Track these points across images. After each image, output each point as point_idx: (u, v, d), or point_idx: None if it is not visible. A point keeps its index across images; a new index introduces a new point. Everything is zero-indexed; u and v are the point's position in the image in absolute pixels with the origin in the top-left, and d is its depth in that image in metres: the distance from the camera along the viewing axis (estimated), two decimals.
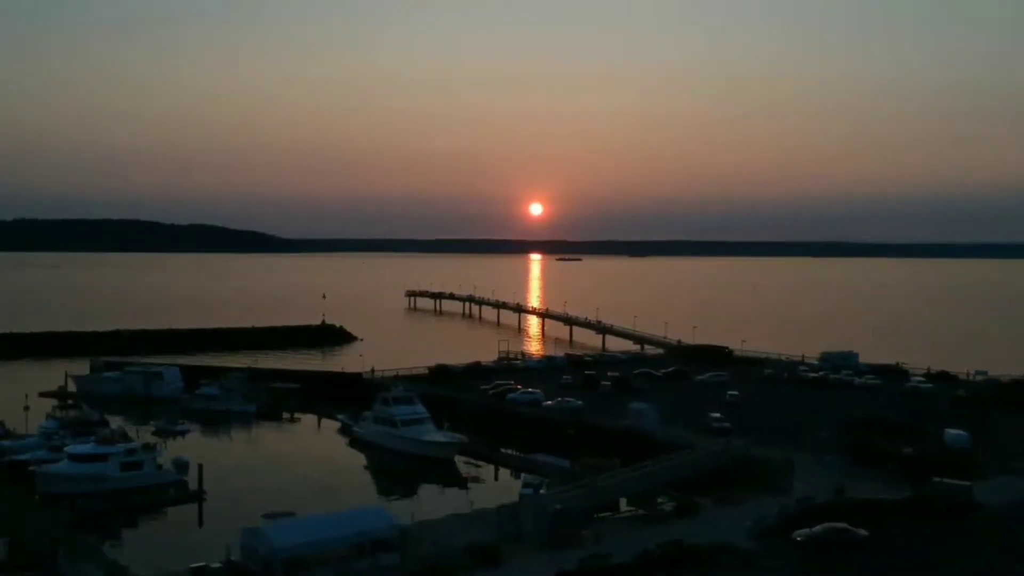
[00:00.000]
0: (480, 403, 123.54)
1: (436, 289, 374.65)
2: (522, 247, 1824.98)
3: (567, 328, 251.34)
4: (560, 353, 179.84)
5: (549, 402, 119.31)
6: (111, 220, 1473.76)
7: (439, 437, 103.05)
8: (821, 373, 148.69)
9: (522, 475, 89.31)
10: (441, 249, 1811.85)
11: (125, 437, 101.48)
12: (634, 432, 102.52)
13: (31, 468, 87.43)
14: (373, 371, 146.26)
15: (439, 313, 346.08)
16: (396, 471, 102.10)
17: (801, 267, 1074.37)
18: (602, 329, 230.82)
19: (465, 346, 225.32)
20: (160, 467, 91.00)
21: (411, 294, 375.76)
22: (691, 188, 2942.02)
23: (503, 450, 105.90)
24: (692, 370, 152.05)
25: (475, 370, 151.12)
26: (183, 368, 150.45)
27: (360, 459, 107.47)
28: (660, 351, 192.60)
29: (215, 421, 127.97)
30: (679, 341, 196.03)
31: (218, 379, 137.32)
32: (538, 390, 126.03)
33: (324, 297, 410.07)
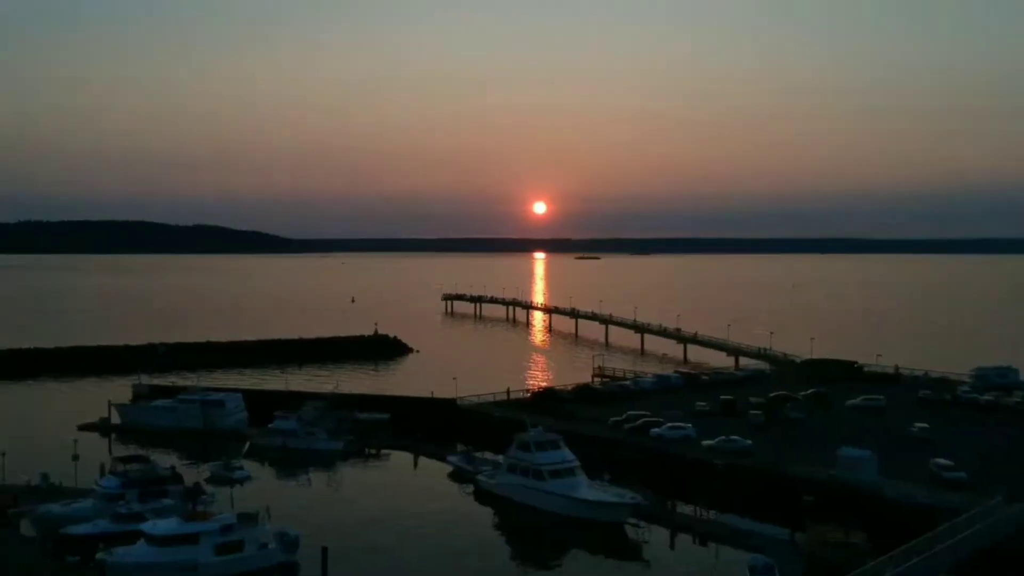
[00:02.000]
0: (628, 443, 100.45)
1: (474, 292, 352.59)
2: (525, 246, 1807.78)
3: (637, 336, 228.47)
4: (669, 370, 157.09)
5: (709, 441, 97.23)
6: (115, 221, 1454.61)
7: (606, 495, 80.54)
8: (994, 395, 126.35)
9: (751, 557, 67.16)
10: (444, 248, 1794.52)
11: (198, 492, 79.83)
12: (851, 487, 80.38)
13: (99, 555, 65.41)
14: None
15: (479, 318, 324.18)
16: (552, 539, 79.87)
17: (808, 264, 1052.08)
18: (683, 339, 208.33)
19: (538, 359, 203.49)
20: (265, 546, 69.00)
21: (448, 297, 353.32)
22: (692, 186, 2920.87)
23: (679, 509, 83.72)
24: (833, 392, 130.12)
25: (585, 394, 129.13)
26: (246, 393, 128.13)
27: (501, 521, 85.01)
28: (763, 365, 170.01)
29: (291, 462, 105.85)
30: (784, 354, 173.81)
31: (293, 408, 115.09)
32: (688, 425, 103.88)
33: (352, 301, 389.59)
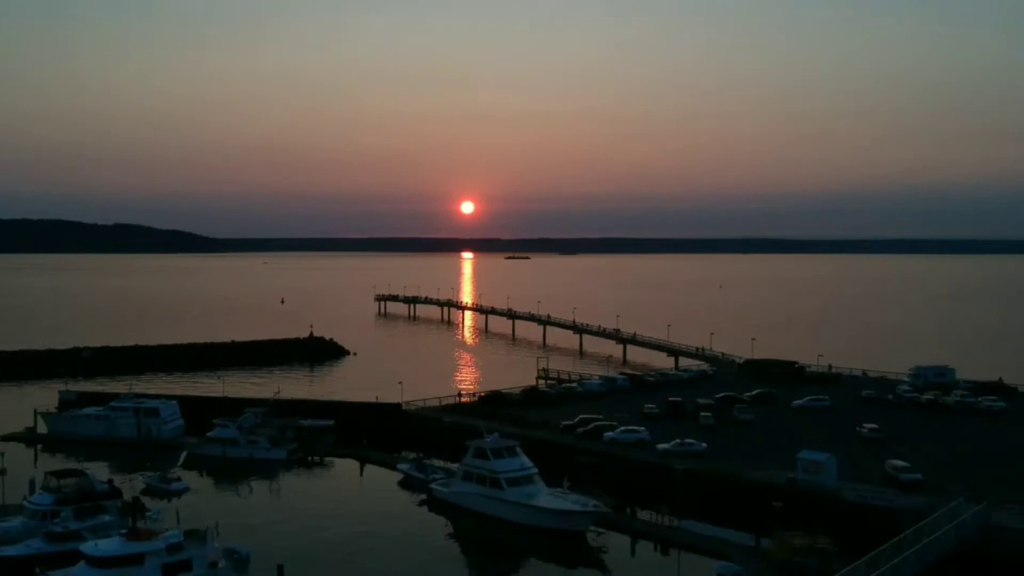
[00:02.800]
0: (584, 448, 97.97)
1: (407, 293, 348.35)
2: (453, 245, 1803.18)
3: (576, 337, 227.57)
4: (611, 371, 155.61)
5: (664, 445, 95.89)
6: (30, 220, 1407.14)
7: (567, 503, 78.36)
8: (933, 394, 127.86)
9: (715, 564, 65.77)
10: (371, 248, 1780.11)
11: (138, 508, 75.60)
12: (812, 491, 79.74)
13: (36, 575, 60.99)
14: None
15: (413, 319, 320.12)
16: (513, 548, 77.54)
17: (730, 263, 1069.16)
18: (622, 339, 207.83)
19: (479, 361, 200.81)
20: (214, 564, 65.23)
21: (381, 298, 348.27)
22: (618, 186, 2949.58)
23: (639, 516, 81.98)
24: (777, 392, 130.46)
25: (534, 397, 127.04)
26: (181, 400, 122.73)
27: (455, 532, 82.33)
28: (704, 366, 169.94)
29: (232, 473, 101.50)
30: (722, 353, 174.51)
31: (232, 416, 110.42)
32: (641, 428, 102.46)
33: (283, 302, 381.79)
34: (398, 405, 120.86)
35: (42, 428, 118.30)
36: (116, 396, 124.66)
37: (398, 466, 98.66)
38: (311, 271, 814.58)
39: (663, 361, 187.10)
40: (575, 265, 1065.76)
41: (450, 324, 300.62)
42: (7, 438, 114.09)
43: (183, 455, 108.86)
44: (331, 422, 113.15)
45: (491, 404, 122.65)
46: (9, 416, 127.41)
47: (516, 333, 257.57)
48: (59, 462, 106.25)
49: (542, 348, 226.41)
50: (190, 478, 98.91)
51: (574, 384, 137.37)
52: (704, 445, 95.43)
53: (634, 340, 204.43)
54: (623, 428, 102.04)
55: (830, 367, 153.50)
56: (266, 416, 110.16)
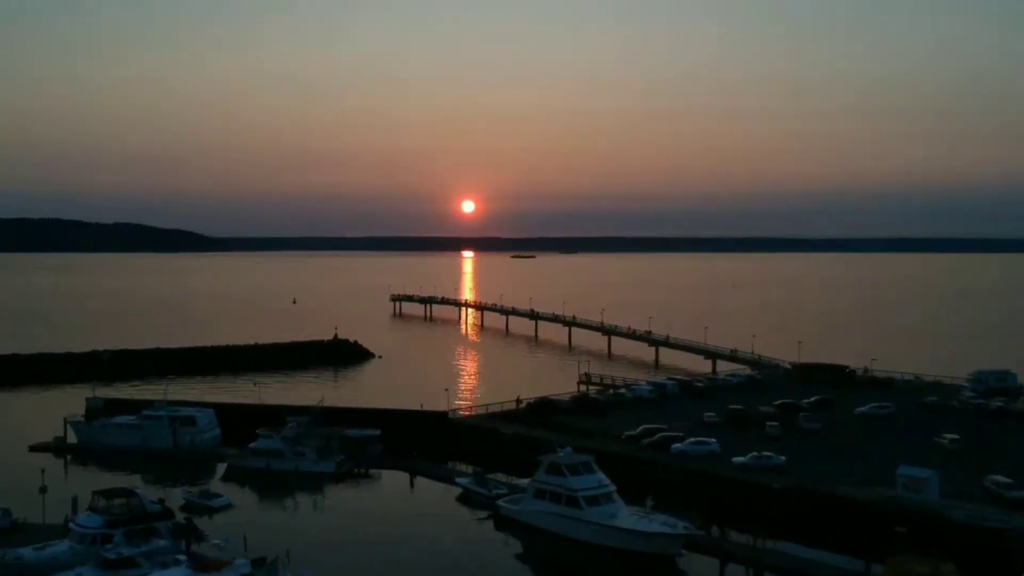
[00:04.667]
0: (664, 463, 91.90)
1: (423, 293, 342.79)
2: (453, 244, 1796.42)
3: (604, 338, 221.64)
4: (660, 377, 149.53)
5: (740, 458, 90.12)
6: (30, 219, 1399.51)
7: (655, 524, 72.51)
8: (1002, 400, 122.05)
9: None
10: (370, 247, 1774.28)
11: (192, 530, 70.15)
12: (915, 510, 73.93)
13: None
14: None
15: (430, 319, 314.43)
16: (593, 573, 71.66)
17: (733, 262, 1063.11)
18: (655, 341, 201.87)
19: (512, 365, 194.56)
20: None
21: (396, 298, 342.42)
22: (619, 185, 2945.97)
23: (727, 537, 76.20)
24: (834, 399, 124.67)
25: (585, 404, 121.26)
26: (217, 408, 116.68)
27: (528, 553, 76.50)
28: (746, 370, 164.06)
29: (276, 487, 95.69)
30: (759, 356, 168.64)
31: (272, 424, 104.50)
32: (712, 439, 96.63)
33: (294, 302, 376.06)
34: (444, 413, 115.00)
35: (71, 437, 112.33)
36: (146, 403, 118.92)
37: (457, 480, 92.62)
38: (315, 270, 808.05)
39: (698, 365, 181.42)
40: (580, 264, 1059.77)
41: (467, 325, 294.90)
42: (36, 448, 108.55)
43: (223, 467, 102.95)
44: (378, 432, 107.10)
45: (540, 412, 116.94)
46: (35, 424, 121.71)
47: (539, 334, 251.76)
48: (92, 474, 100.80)
49: (568, 350, 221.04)
50: (232, 493, 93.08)
51: (623, 390, 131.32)
52: (783, 458, 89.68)
53: (667, 343, 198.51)
54: (692, 439, 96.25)
55: (865, 369, 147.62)
56: (309, 425, 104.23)
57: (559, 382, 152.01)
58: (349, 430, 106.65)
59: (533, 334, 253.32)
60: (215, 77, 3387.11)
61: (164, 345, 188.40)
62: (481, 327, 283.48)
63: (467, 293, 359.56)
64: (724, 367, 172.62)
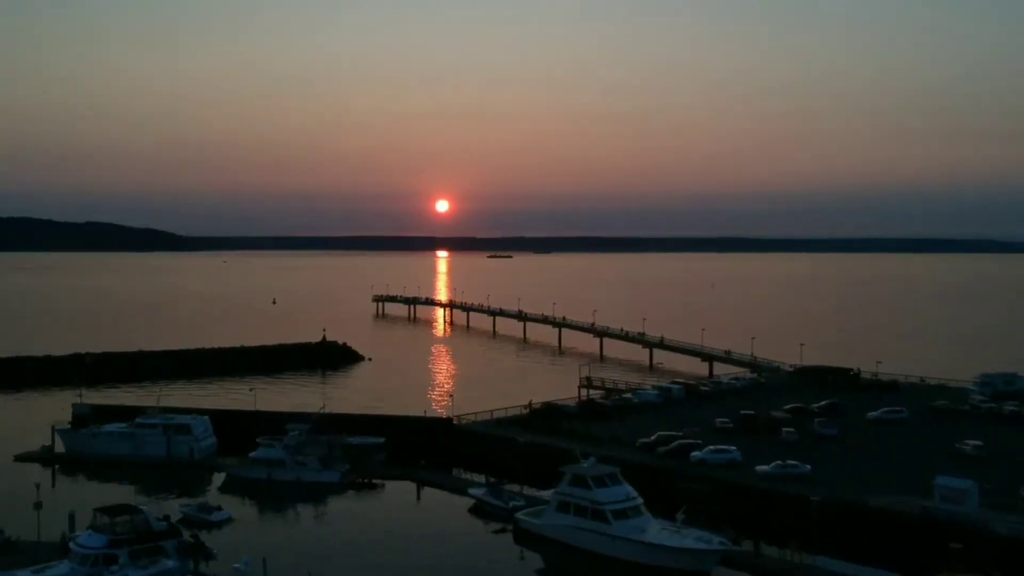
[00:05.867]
0: (690, 473, 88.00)
1: (407, 294, 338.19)
2: (428, 244, 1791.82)
3: (595, 340, 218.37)
4: (663, 380, 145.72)
5: (764, 467, 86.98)
6: None
7: (689, 539, 69.12)
8: (1015, 404, 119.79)
9: None
10: (343, 246, 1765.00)
11: (201, 549, 66.22)
12: (954, 522, 71.04)
13: None
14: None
15: (414, 320, 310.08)
16: None
17: (711, 263, 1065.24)
18: (649, 343, 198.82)
19: (507, 368, 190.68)
20: None
21: (379, 299, 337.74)
22: (592, 185, 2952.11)
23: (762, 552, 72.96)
24: (845, 404, 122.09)
25: (592, 410, 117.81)
26: (212, 415, 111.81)
27: (551, 568, 72.98)
28: (745, 371, 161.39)
29: (278, 499, 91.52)
30: (755, 358, 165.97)
31: (270, 432, 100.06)
32: (732, 447, 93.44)
33: (274, 303, 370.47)
34: (449, 420, 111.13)
35: (58, 446, 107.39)
36: (137, 410, 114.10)
37: (470, 491, 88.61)
38: (289, 270, 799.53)
39: (694, 367, 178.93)
40: (557, 264, 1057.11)
41: (453, 326, 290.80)
42: (22, 458, 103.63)
43: (220, 478, 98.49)
44: (382, 440, 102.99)
45: (547, 418, 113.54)
46: (19, 432, 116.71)
47: (528, 335, 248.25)
48: (84, 486, 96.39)
49: (559, 352, 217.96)
50: (232, 505, 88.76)
51: (628, 395, 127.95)
52: (808, 467, 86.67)
53: (662, 344, 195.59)
54: (711, 447, 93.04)
55: (858, 370, 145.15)
56: (310, 433, 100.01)
57: (558, 386, 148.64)
58: (351, 438, 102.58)
59: (521, 335, 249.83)
60: (189, 74, 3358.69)
61: (147, 347, 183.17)
62: (467, 328, 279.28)
63: (447, 293, 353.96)
64: (720, 369, 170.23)
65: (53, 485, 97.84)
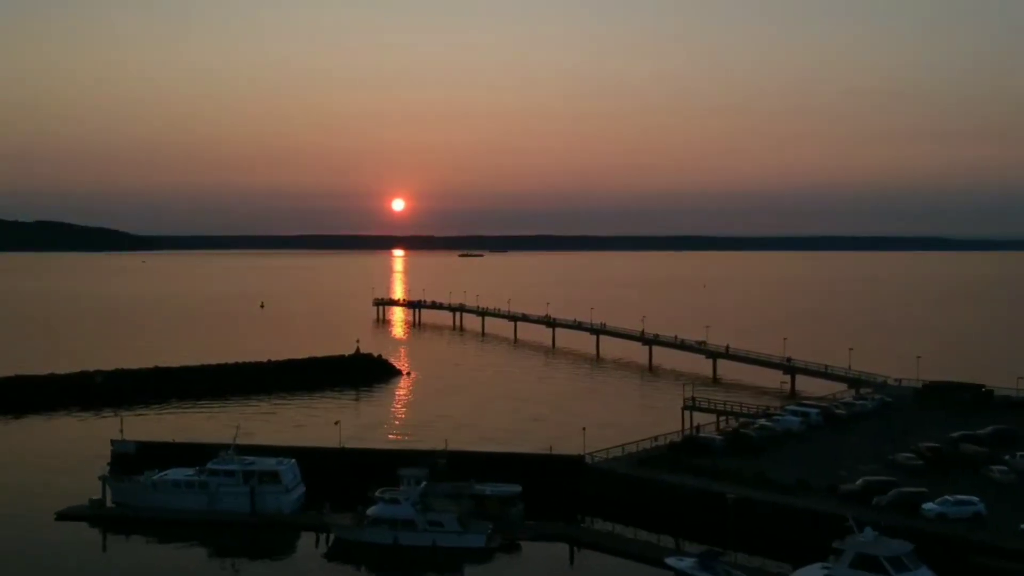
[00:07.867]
0: (963, 541, 69.52)
1: (410, 297, 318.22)
2: (385, 243, 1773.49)
3: (648, 348, 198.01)
4: (802, 404, 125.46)
5: None
6: None
7: None
8: None
9: None
10: (301, 245, 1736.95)
11: None
12: None
13: None
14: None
15: (418, 326, 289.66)
16: None
17: (678, 261, 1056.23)
18: (712, 353, 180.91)
19: (570, 384, 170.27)
20: None
21: (379, 303, 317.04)
22: (551, 183, 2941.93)
23: None
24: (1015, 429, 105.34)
25: (739, 442, 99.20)
26: (292, 453, 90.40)
27: None
28: (846, 388, 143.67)
29: (406, 570, 72.10)
30: (845, 369, 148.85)
31: (370, 478, 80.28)
32: (974, 498, 75.24)
33: (262, 307, 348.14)
34: (581, 457, 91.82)
35: (109, 501, 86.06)
36: (193, 448, 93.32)
37: (668, 560, 68.89)
38: (254, 271, 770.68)
39: (765, 378, 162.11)
40: (530, 263, 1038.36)
41: (463, 331, 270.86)
42: (65, 516, 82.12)
43: (326, 540, 77.91)
44: (519, 488, 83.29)
45: (688, 452, 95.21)
46: (51, 477, 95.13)
47: (556, 343, 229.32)
48: (138, 550, 75.88)
49: (595, 361, 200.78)
50: None
51: (765, 421, 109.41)
52: None
53: (727, 354, 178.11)
54: (947, 497, 75.09)
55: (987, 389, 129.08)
56: (430, 481, 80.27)
57: (655, 410, 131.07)
58: (482, 485, 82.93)
59: (551, 342, 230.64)
60: (139, 71, 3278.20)
61: (162, 364, 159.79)
62: (483, 335, 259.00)
63: (450, 296, 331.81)
64: (805, 384, 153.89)
65: (104, 549, 77.67)
